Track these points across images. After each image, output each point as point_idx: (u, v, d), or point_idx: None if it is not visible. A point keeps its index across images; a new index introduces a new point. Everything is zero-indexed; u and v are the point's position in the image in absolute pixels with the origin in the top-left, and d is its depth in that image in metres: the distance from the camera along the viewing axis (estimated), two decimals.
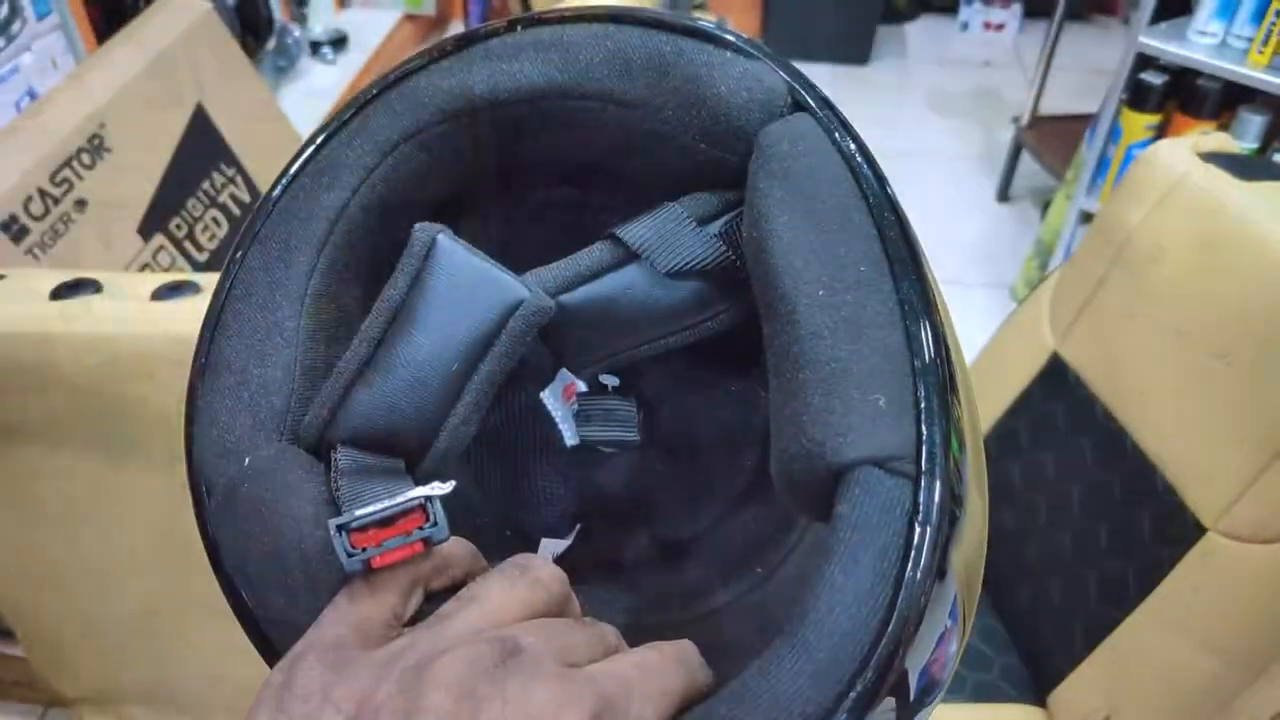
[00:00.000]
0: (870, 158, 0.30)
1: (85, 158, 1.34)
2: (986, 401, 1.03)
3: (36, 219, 1.26)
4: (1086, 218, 1.84)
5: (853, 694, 0.24)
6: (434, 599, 0.28)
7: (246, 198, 1.63)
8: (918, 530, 0.24)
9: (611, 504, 0.43)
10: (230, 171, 1.61)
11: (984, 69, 3.12)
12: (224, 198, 1.59)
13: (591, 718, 0.23)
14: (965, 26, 3.33)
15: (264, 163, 1.67)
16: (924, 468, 0.25)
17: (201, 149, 1.55)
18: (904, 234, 0.28)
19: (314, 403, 0.31)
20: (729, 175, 0.33)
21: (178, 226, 1.49)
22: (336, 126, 0.34)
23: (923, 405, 0.26)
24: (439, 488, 0.27)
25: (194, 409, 0.32)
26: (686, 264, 0.33)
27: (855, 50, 3.07)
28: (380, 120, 0.34)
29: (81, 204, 1.32)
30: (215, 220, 1.56)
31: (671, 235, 0.33)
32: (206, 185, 1.55)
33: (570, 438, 0.42)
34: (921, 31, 3.33)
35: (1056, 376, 0.95)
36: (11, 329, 0.65)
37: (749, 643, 0.26)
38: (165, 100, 1.49)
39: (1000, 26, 3.31)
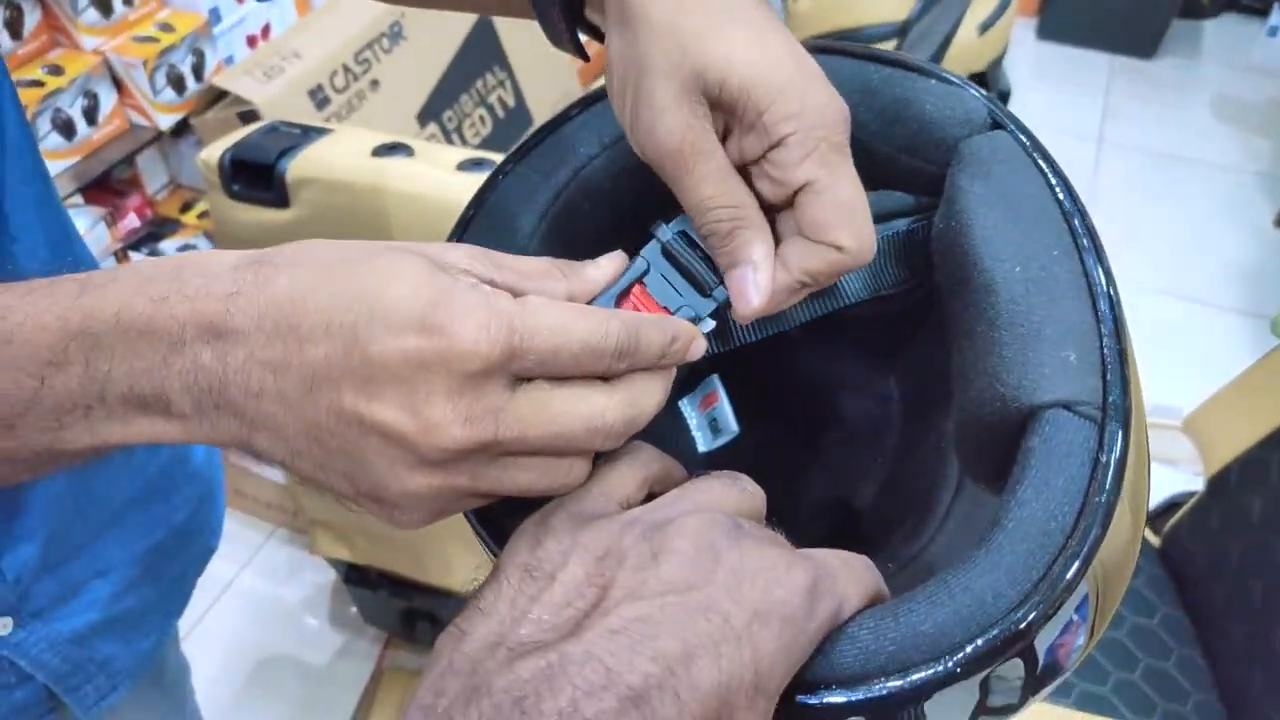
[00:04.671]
0: (1060, 170, 0.34)
1: (385, 42, 1.45)
2: (1237, 427, 0.96)
3: (338, 91, 1.38)
4: None
5: (1039, 591, 0.26)
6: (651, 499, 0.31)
7: (511, 102, 1.72)
8: (1101, 463, 0.27)
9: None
10: (501, 75, 1.69)
11: None
12: (492, 98, 1.68)
13: (813, 579, 0.26)
14: (1275, 32, 2.99)
15: (531, 72, 1.75)
16: (1109, 414, 0.28)
17: (481, 50, 1.64)
18: (1089, 231, 0.32)
19: None
20: (924, 183, 0.36)
21: (449, 119, 1.59)
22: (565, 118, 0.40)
23: (1108, 364, 0.29)
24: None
25: None
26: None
27: (1141, 42, 2.83)
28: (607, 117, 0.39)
29: (375, 84, 1.44)
30: (481, 118, 1.66)
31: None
32: (479, 84, 1.65)
33: (703, 444, 0.45)
34: (1221, 31, 3.03)
35: None
36: (344, 177, 0.72)
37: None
38: None
39: None
